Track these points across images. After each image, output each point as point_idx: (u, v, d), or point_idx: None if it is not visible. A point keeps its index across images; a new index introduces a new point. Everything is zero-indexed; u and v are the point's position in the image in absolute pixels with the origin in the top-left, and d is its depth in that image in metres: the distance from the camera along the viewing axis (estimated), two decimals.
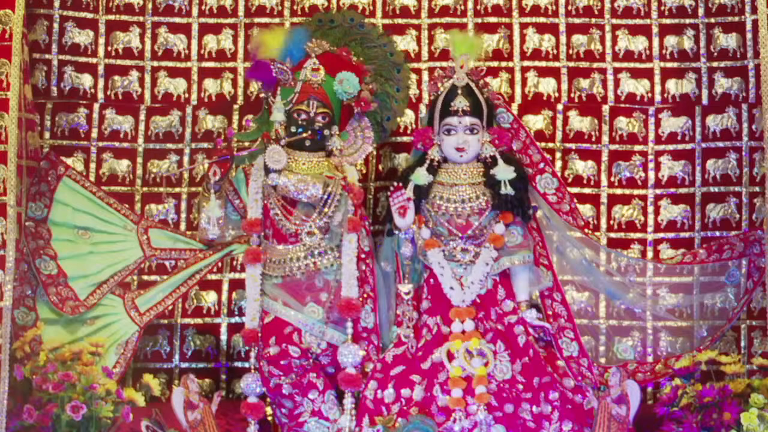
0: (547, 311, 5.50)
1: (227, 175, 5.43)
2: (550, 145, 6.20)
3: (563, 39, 6.31)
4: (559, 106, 6.26)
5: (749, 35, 6.13)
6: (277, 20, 6.29)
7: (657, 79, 6.27)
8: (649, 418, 5.24)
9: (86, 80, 6.23)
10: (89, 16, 6.25)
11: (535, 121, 6.24)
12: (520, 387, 5.23)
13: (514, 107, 6.10)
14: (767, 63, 5.43)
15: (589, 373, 5.34)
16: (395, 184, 5.46)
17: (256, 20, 6.31)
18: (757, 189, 6.01)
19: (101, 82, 6.25)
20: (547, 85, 6.29)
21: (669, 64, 6.27)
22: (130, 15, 6.29)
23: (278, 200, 5.44)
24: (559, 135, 6.24)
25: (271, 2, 6.36)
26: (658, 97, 6.25)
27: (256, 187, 5.44)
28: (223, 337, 6.14)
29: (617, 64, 6.29)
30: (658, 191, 6.18)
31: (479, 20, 6.32)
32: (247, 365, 5.59)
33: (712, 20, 6.22)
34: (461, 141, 5.47)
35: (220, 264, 5.79)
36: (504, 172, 5.43)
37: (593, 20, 6.31)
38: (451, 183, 5.49)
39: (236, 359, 6.11)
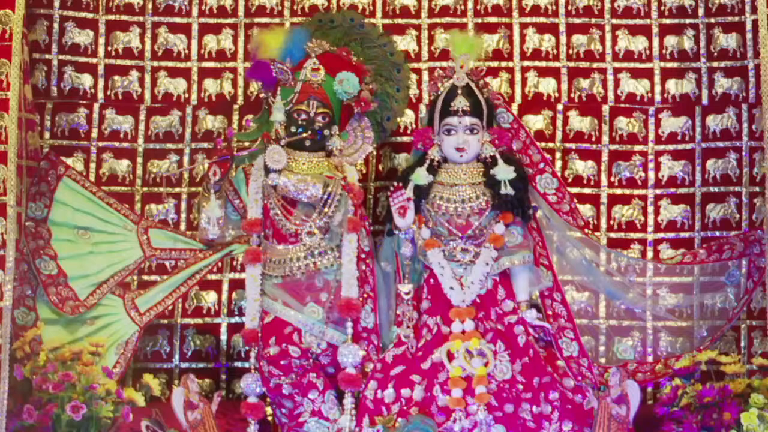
0: (547, 311, 5.50)
1: (227, 175, 5.43)
2: (550, 145, 6.21)
3: (563, 39, 6.32)
4: (559, 106, 6.26)
5: (749, 35, 6.13)
6: (277, 20, 6.29)
7: (657, 79, 6.27)
8: (649, 418, 5.24)
9: (86, 80, 6.24)
10: (89, 16, 6.25)
11: (535, 121, 6.24)
12: (520, 387, 5.23)
13: (514, 107, 6.11)
14: (767, 63, 5.43)
15: (589, 373, 5.34)
16: (395, 184, 5.46)
17: (256, 20, 6.31)
18: (757, 189, 6.01)
19: (101, 82, 6.25)
20: (547, 85, 6.29)
21: (669, 64, 6.27)
22: (130, 15, 6.29)
23: (278, 200, 5.44)
24: (559, 135, 6.24)
25: (271, 2, 6.36)
26: (658, 97, 6.26)
27: (256, 187, 5.44)
28: (223, 337, 6.14)
29: (617, 64, 6.29)
30: (658, 191, 6.18)
31: (479, 20, 6.33)
32: (247, 365, 5.58)
33: (712, 20, 6.22)
34: (461, 141, 5.47)
35: (220, 264, 5.79)
36: (504, 172, 5.43)
37: (593, 20, 6.31)
38: (451, 183, 5.49)
39: (236, 359, 6.11)
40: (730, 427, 5.01)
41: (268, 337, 5.36)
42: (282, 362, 5.33)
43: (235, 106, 6.28)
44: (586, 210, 6.13)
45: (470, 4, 6.33)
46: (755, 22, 5.79)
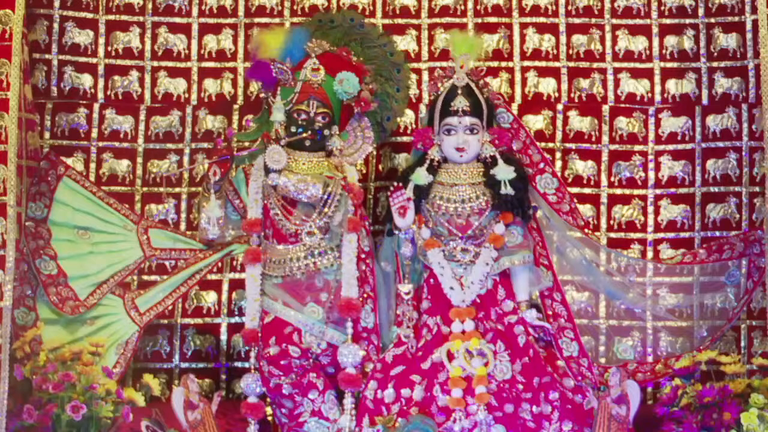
0: (547, 311, 5.50)
1: (227, 175, 5.43)
2: (550, 145, 6.21)
3: (563, 39, 6.32)
4: (559, 106, 6.26)
5: (749, 35, 6.13)
6: (277, 20, 6.29)
7: (657, 79, 6.27)
8: (649, 418, 5.24)
9: (86, 80, 6.24)
10: (89, 16, 6.25)
11: (535, 121, 6.24)
12: (520, 387, 5.23)
13: (514, 107, 6.11)
14: (767, 63, 5.43)
15: (589, 373, 5.34)
16: (395, 184, 5.46)
17: (256, 20, 6.31)
18: (757, 189, 6.01)
19: (101, 82, 6.26)
20: (547, 85, 6.29)
21: (669, 64, 6.27)
22: (130, 15, 6.29)
23: (278, 200, 5.44)
24: (559, 135, 6.24)
25: (271, 2, 6.36)
26: (658, 97, 6.26)
27: (256, 187, 5.44)
28: (223, 337, 6.14)
29: (617, 64, 6.29)
30: (658, 191, 6.18)
31: (479, 20, 6.33)
32: (247, 365, 5.58)
33: (712, 20, 6.23)
34: (461, 141, 5.47)
35: (220, 264, 5.79)
36: (504, 172, 5.43)
37: (593, 20, 6.31)
38: (451, 183, 5.49)
39: (236, 359, 6.11)
40: (730, 427, 5.01)
41: (268, 337, 5.36)
42: (282, 362, 5.33)
43: (235, 106, 6.28)
44: (586, 210, 6.13)
45: (470, 4, 6.33)
46: (755, 22, 5.79)
